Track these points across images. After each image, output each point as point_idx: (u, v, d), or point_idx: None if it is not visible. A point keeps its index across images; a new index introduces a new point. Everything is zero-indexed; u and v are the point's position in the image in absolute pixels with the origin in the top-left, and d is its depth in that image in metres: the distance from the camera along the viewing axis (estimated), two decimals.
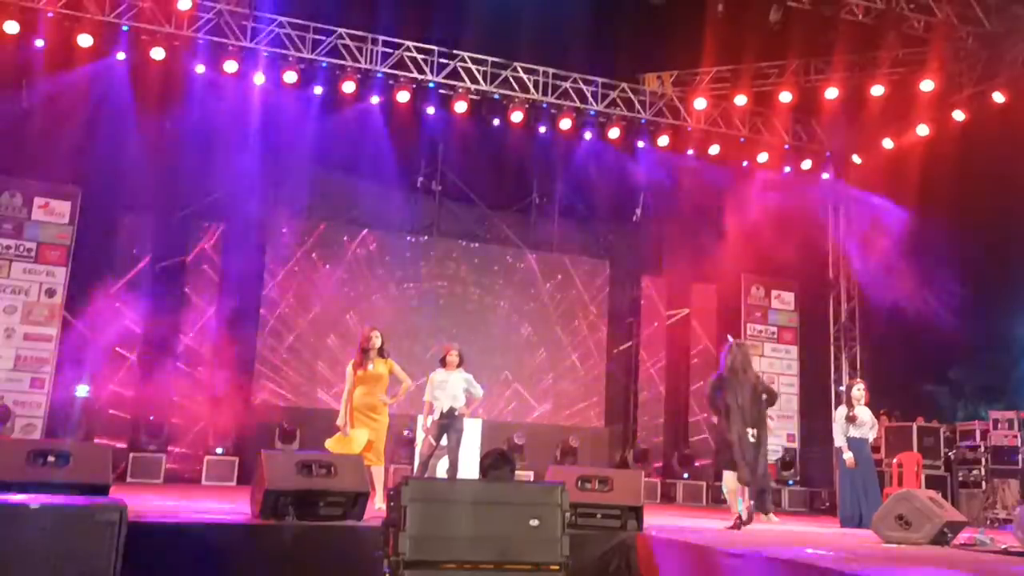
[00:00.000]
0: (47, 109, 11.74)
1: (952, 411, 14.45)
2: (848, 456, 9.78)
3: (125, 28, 11.89)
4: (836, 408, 10.94)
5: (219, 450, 12.47)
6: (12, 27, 11.41)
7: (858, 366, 14.84)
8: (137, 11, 11.86)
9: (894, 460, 11.53)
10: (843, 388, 14.16)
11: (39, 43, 11.64)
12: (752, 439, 8.53)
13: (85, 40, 11.69)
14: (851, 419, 9.92)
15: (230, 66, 12.31)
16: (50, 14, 11.55)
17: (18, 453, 5.80)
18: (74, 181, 12.31)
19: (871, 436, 10.13)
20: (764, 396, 8.82)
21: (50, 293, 12.16)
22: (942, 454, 12.24)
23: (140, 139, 12.23)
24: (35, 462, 5.68)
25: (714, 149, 14.45)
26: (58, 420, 11.69)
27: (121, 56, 12.06)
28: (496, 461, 6.26)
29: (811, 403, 15.10)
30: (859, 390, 10.20)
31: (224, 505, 7.63)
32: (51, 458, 5.75)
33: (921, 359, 13.87)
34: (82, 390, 11.97)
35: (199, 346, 13.20)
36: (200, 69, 12.30)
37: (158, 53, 11.99)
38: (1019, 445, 11.67)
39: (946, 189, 12.46)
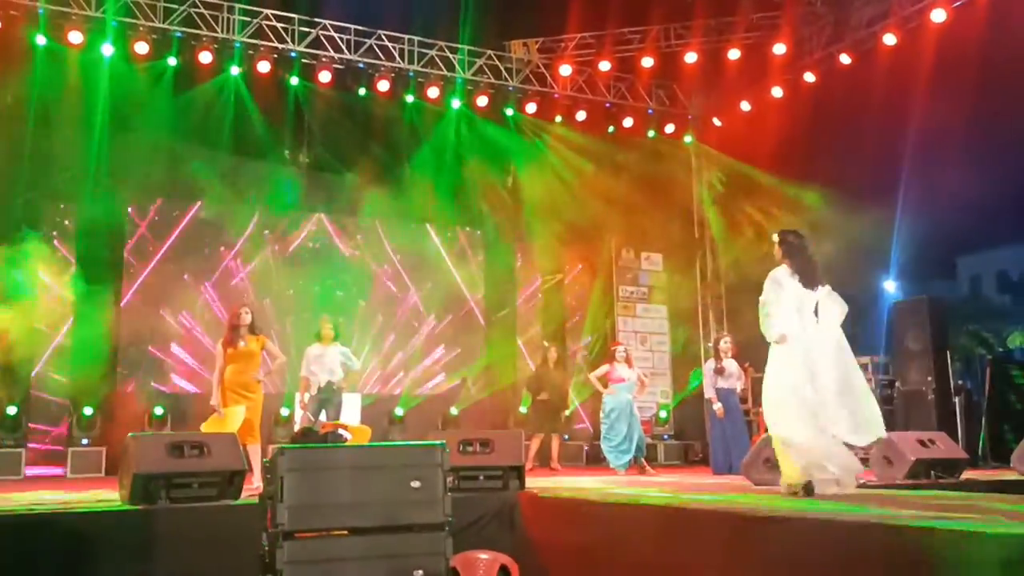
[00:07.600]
0: None
1: None
2: (717, 406, 10.18)
3: None
4: (705, 362, 11.34)
5: (84, 441, 11.89)
6: None
7: (724, 321, 15.41)
8: None
9: (760, 408, 12.03)
10: (711, 343, 14.67)
11: None
12: None
13: None
14: (719, 371, 10.32)
15: (75, 37, 11.63)
16: None
17: None
18: None
19: (739, 387, 10.57)
20: None
21: None
22: None
23: None
24: None
25: (581, 115, 14.65)
26: None
27: None
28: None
29: (683, 359, 15.63)
30: (726, 343, 10.62)
31: (88, 494, 7.30)
32: None
33: None
34: None
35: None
36: (40, 40, 11.57)
37: None
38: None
39: (800, 148, 13.09)
